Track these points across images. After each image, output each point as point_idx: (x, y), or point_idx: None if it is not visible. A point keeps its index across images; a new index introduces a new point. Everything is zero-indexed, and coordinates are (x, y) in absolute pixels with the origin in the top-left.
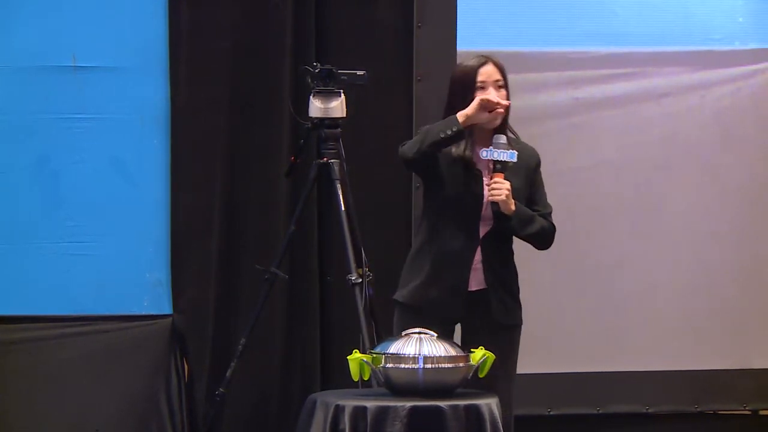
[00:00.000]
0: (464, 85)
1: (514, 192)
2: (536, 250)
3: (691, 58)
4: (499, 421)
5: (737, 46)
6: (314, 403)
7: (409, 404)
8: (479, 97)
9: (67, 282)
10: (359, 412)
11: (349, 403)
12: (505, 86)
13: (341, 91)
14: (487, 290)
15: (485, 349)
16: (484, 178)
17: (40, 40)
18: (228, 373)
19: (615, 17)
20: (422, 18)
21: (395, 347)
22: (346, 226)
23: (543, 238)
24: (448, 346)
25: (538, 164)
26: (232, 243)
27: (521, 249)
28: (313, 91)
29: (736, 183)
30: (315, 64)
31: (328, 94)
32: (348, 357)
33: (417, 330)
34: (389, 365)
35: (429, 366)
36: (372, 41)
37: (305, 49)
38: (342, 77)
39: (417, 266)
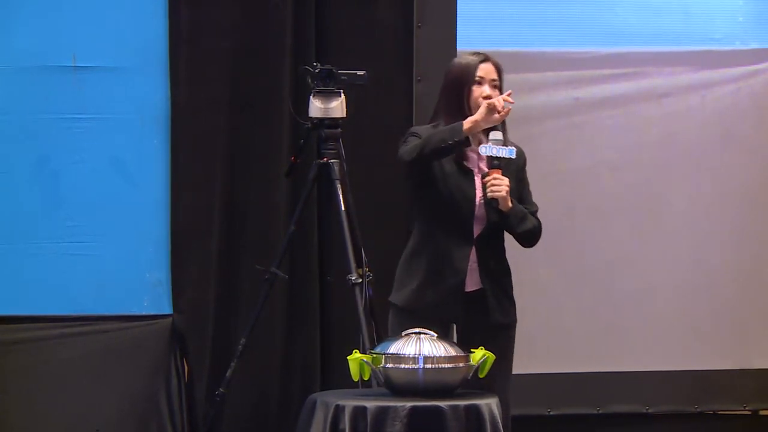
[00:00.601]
0: (462, 80)
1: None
2: (536, 249)
3: (691, 58)
4: (500, 421)
5: (738, 46)
6: (314, 403)
7: (409, 404)
8: (485, 101)
9: (67, 282)
10: (359, 412)
11: (349, 403)
12: (500, 87)
13: (341, 91)
14: (484, 290)
15: (484, 349)
16: (476, 178)
17: (40, 40)
18: (228, 373)
19: (615, 17)
20: (422, 18)
21: (395, 347)
22: (346, 226)
23: (534, 236)
24: (448, 346)
25: (525, 163)
26: (232, 243)
27: (522, 249)
28: (313, 91)
29: (736, 183)
30: (315, 64)
31: (328, 94)
32: (348, 357)
33: (417, 330)
34: (389, 365)
35: (429, 366)
36: (372, 41)
37: (305, 49)
38: (342, 77)
39: (412, 269)
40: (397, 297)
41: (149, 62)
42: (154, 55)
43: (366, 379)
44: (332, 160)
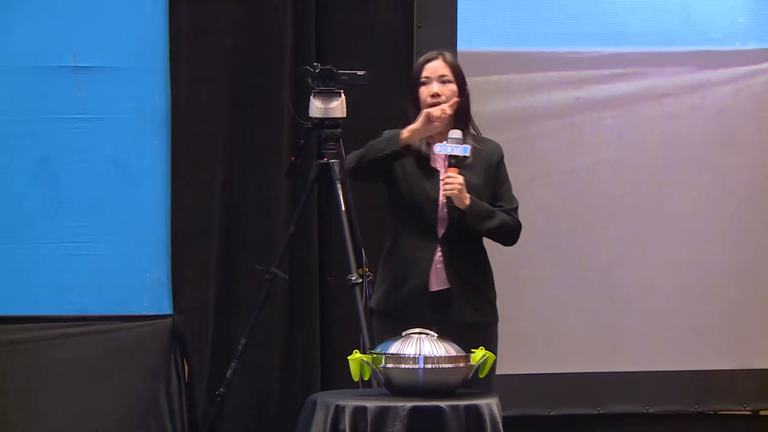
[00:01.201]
0: (413, 82)
1: (472, 188)
2: (537, 250)
3: (691, 58)
4: (500, 421)
5: (738, 46)
6: (314, 403)
7: (409, 404)
8: (423, 111)
9: (67, 282)
10: (359, 412)
11: (349, 403)
12: (457, 81)
13: (341, 91)
14: (450, 290)
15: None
16: (441, 178)
17: (40, 40)
18: (228, 373)
19: (615, 17)
20: (422, 18)
21: (395, 347)
22: (346, 226)
23: (505, 234)
24: (448, 347)
25: (500, 159)
26: (232, 243)
27: (522, 249)
28: (313, 91)
29: (736, 183)
30: (315, 64)
31: (328, 95)
32: (348, 357)
33: (417, 330)
34: (389, 365)
35: (429, 366)
36: (372, 41)
37: (305, 50)
38: (342, 77)
39: (385, 272)
40: (373, 300)
41: (149, 62)
42: (154, 55)
43: (366, 379)
44: (332, 160)
